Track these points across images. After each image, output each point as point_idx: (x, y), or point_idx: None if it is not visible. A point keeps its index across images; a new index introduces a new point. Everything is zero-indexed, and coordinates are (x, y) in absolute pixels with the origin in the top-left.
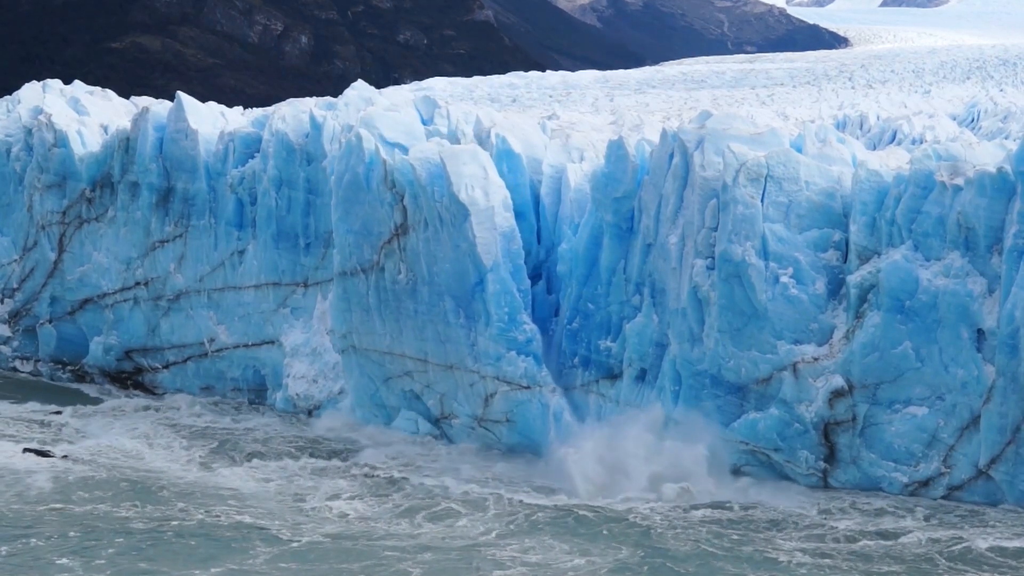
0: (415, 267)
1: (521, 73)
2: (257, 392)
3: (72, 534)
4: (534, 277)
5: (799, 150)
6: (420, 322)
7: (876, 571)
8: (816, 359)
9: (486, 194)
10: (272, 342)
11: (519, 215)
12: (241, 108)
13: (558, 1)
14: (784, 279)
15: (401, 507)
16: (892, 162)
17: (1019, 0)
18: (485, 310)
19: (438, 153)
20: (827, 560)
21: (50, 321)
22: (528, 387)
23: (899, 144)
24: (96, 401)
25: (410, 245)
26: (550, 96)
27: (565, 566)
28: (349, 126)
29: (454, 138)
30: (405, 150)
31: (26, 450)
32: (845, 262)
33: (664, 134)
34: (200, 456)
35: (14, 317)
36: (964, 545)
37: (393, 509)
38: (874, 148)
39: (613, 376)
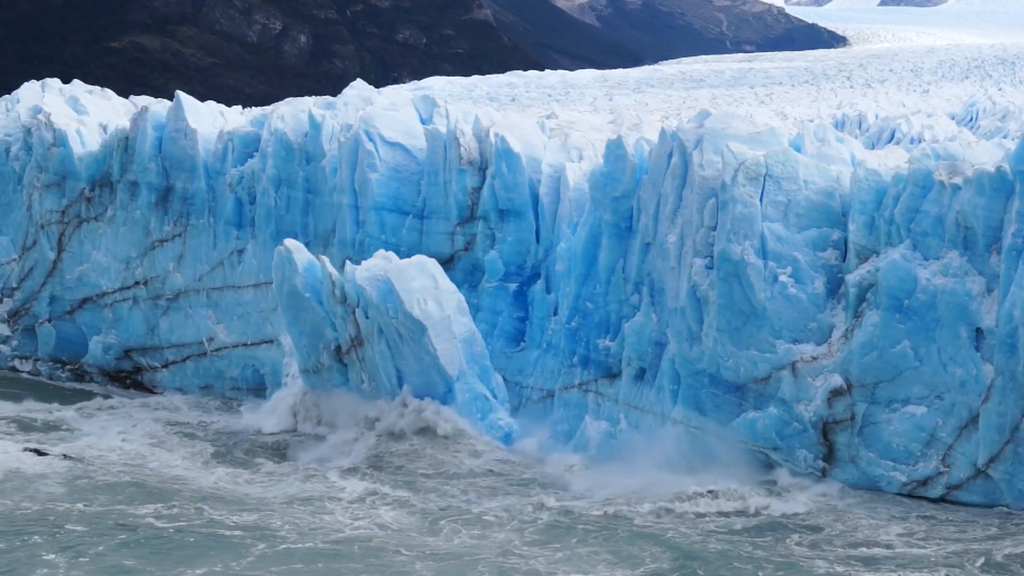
0: (376, 377)
1: (520, 72)
2: (256, 391)
3: (67, 532)
4: (533, 276)
5: (798, 149)
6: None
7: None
8: (815, 358)
9: (439, 304)
10: (271, 341)
11: (518, 215)
12: (240, 107)
13: (557, 0)
14: (783, 278)
15: (407, 510)
16: (891, 161)
17: (1018, 0)
18: (458, 415)
19: (384, 270)
20: (846, 565)
21: (49, 320)
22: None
23: (898, 143)
24: (95, 400)
25: (368, 356)
26: (549, 95)
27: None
28: (348, 125)
29: (452, 137)
30: (405, 150)
31: (25, 449)
32: (844, 261)
33: (663, 133)
34: (199, 455)
35: (13, 316)
36: (983, 553)
37: (398, 512)
38: (873, 147)
39: (612, 375)
